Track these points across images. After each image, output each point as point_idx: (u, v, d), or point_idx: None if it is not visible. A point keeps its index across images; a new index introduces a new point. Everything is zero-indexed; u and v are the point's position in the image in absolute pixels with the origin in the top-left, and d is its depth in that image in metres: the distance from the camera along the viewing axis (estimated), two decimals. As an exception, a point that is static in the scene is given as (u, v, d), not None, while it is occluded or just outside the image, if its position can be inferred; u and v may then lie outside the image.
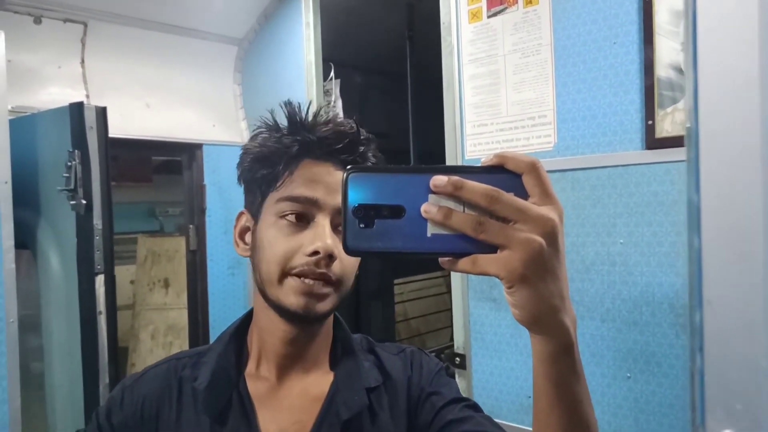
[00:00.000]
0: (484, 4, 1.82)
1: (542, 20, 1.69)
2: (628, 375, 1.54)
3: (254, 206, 0.84)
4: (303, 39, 2.57)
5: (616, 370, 1.56)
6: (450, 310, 2.71)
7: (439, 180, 0.45)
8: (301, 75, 2.58)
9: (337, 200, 0.77)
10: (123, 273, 3.87)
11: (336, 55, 2.77)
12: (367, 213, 0.46)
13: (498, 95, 1.80)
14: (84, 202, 1.94)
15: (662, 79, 1.47)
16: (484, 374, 1.85)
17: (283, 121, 0.84)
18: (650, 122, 1.48)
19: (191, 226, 2.75)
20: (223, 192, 2.77)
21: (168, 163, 4.56)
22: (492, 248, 0.45)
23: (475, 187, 0.44)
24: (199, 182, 2.74)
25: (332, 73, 2.68)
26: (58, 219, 2.05)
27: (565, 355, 0.49)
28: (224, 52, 2.88)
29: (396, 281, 3.87)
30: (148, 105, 2.61)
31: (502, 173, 0.46)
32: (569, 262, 1.56)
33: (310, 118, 0.83)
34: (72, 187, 1.93)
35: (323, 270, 0.76)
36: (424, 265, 3.93)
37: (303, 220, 0.78)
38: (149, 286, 3.78)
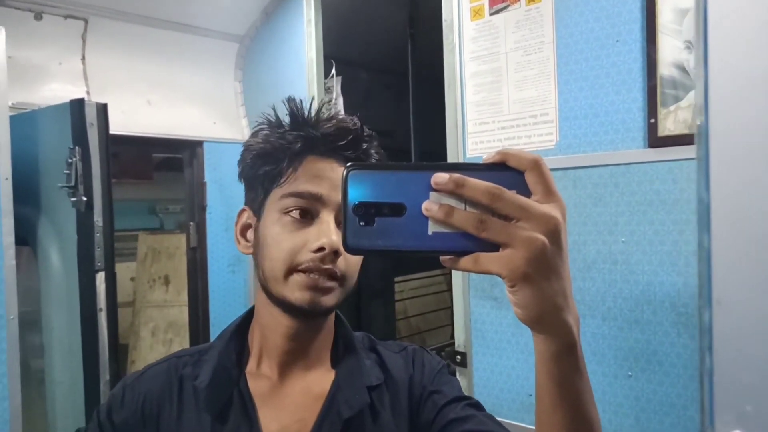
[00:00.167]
0: (486, 2, 1.81)
1: (544, 18, 1.68)
2: (630, 374, 1.54)
3: (256, 203, 0.83)
4: (304, 36, 2.56)
5: (617, 369, 1.56)
6: (450, 308, 2.70)
7: (440, 177, 0.44)
8: (302, 72, 2.58)
9: None
10: (124, 270, 3.87)
11: (337, 53, 2.77)
12: (368, 211, 0.45)
13: (500, 93, 1.79)
14: (84, 198, 1.93)
15: (665, 78, 1.46)
16: (485, 372, 1.85)
17: (284, 118, 0.84)
18: (653, 120, 1.48)
19: (192, 223, 2.75)
20: (223, 189, 2.77)
21: (169, 161, 4.55)
22: (494, 247, 0.44)
23: (476, 184, 0.44)
24: (199, 179, 2.74)
25: (333, 71, 2.67)
26: (59, 216, 2.05)
27: (568, 354, 0.48)
28: (225, 49, 2.87)
29: (396, 279, 3.87)
30: (149, 102, 2.61)
31: (505, 171, 0.46)
32: (570, 260, 1.56)
33: (313, 114, 0.82)
34: (72, 183, 1.93)
35: (329, 266, 0.76)
36: (425, 262, 3.93)
37: (307, 216, 0.78)
38: (150, 284, 3.78)
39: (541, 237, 0.43)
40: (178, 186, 3.13)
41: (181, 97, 2.73)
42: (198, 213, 2.74)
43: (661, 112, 1.47)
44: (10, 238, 1.75)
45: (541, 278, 0.44)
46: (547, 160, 1.59)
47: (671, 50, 1.45)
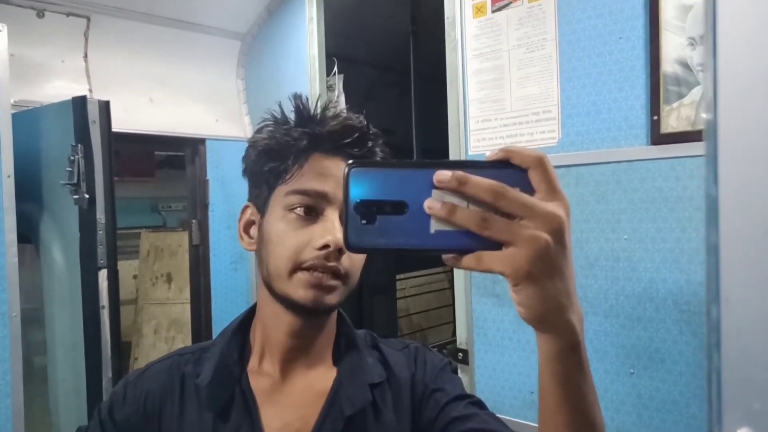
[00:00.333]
0: (488, -1, 1.81)
1: (547, 15, 1.68)
2: (632, 371, 1.54)
3: (260, 199, 0.83)
4: (306, 34, 2.56)
5: (619, 366, 1.56)
6: (452, 305, 2.70)
7: (442, 175, 0.44)
8: (304, 70, 2.58)
9: None
10: (126, 268, 3.88)
11: (339, 51, 2.77)
12: (369, 209, 0.45)
13: (502, 90, 1.79)
14: (87, 196, 1.94)
15: (668, 75, 1.46)
16: (486, 370, 1.85)
17: (289, 114, 0.83)
18: (655, 118, 1.47)
19: (194, 221, 2.76)
20: (225, 187, 2.77)
21: (171, 158, 4.57)
22: (497, 245, 0.44)
23: (479, 182, 0.43)
24: (202, 177, 2.74)
25: (335, 68, 2.67)
26: (61, 213, 2.05)
27: (571, 353, 0.48)
28: (228, 47, 2.87)
29: (398, 276, 3.87)
30: (151, 99, 2.61)
31: (508, 168, 0.45)
32: (573, 258, 1.56)
33: (318, 111, 0.82)
34: (75, 181, 1.93)
35: (333, 263, 0.76)
36: (427, 260, 3.92)
37: (312, 213, 0.77)
38: (152, 281, 3.79)
39: (545, 236, 0.43)
40: (181, 184, 3.14)
41: (183, 95, 2.73)
42: (200, 210, 2.75)
43: (664, 109, 1.46)
44: (12, 236, 1.75)
45: (545, 277, 0.44)
46: (550, 157, 1.58)
47: (674, 47, 1.44)
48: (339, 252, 0.75)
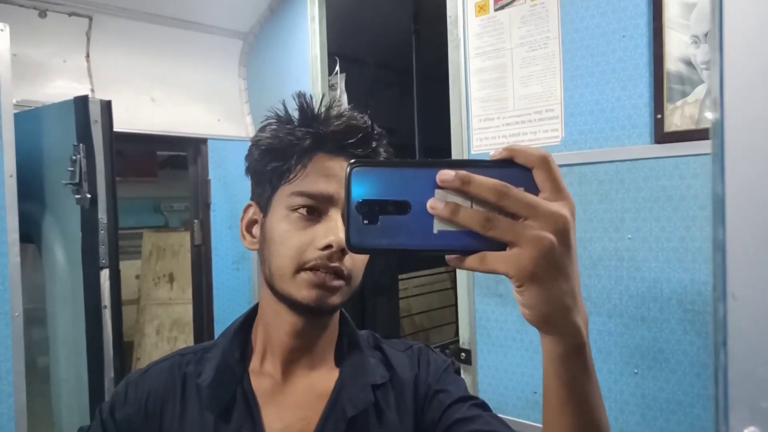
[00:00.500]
0: (491, -3, 1.81)
1: (550, 13, 1.67)
2: (636, 371, 1.53)
3: (263, 199, 0.82)
4: (308, 33, 2.56)
5: (623, 366, 1.55)
6: (454, 305, 2.70)
7: (445, 174, 0.43)
8: (306, 69, 2.57)
9: None
10: (128, 268, 3.88)
11: (341, 49, 2.76)
12: (371, 209, 0.44)
13: (505, 89, 1.79)
14: (89, 196, 1.94)
15: (672, 73, 1.45)
16: (489, 370, 1.85)
17: (292, 113, 0.83)
18: (659, 116, 1.47)
19: (196, 220, 2.76)
20: (228, 187, 2.77)
21: (173, 158, 4.57)
22: (501, 245, 0.43)
23: (483, 181, 0.43)
24: (204, 177, 2.74)
25: (337, 68, 2.67)
26: (63, 213, 2.05)
27: (576, 355, 0.47)
28: (229, 46, 2.87)
29: (401, 276, 3.87)
30: (153, 99, 2.61)
31: (512, 167, 0.45)
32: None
33: (322, 110, 0.81)
34: (77, 181, 1.93)
35: (336, 264, 0.75)
36: (429, 260, 3.92)
37: (315, 213, 0.77)
38: (154, 281, 3.80)
39: (550, 236, 0.42)
40: (183, 184, 3.14)
41: (185, 95, 2.74)
42: (202, 210, 2.75)
43: (668, 107, 1.46)
44: (14, 235, 1.75)
45: (549, 278, 0.43)
46: (553, 156, 1.58)
47: (678, 45, 1.44)
48: (342, 252, 0.75)
